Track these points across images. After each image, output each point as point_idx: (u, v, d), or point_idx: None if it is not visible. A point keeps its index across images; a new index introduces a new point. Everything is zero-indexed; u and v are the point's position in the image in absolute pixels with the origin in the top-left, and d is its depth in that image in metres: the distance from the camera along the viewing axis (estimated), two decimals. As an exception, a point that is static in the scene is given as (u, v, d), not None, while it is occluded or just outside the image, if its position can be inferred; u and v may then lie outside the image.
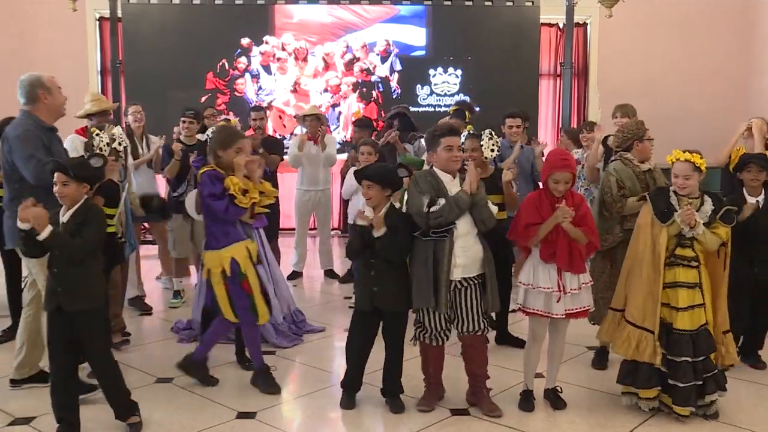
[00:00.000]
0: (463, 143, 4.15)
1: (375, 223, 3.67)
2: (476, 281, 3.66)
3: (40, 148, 3.84)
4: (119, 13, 8.80)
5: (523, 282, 3.73)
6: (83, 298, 3.32)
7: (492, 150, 4.43)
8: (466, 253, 3.62)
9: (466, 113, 6.03)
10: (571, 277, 3.64)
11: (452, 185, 3.68)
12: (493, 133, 4.49)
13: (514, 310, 4.43)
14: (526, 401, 3.80)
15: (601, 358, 4.47)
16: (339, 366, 4.42)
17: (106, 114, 5.68)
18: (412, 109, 9.15)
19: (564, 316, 3.67)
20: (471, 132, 4.66)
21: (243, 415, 3.73)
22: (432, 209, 3.58)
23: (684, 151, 3.66)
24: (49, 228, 3.21)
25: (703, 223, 3.57)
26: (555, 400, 3.83)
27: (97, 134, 4.29)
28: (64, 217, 3.35)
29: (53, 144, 3.99)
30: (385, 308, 3.74)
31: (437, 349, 3.78)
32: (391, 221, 3.68)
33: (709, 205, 3.63)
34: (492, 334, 4.69)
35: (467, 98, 8.95)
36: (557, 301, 3.63)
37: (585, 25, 10.21)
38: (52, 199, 3.38)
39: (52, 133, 4.04)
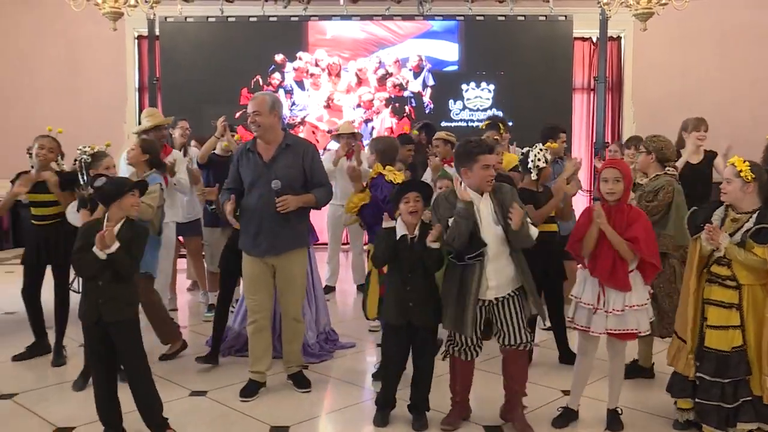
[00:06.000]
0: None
1: (435, 233, 3.57)
2: (514, 293, 3.58)
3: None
4: (157, 32, 8.99)
5: (574, 295, 3.69)
6: (125, 308, 3.43)
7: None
8: (498, 275, 3.54)
9: (500, 125, 6.01)
10: (616, 297, 3.53)
11: (482, 203, 3.57)
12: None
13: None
14: (561, 418, 3.73)
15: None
16: (371, 381, 4.42)
17: (161, 128, 5.79)
18: (444, 124, 9.19)
19: (604, 335, 3.58)
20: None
21: (276, 430, 3.74)
22: (446, 235, 3.53)
23: (744, 161, 3.46)
24: (117, 244, 3.34)
25: (739, 243, 3.39)
26: (611, 420, 3.71)
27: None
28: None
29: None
30: (419, 323, 3.70)
31: (466, 364, 3.73)
32: (423, 232, 3.67)
33: (750, 223, 3.42)
34: (555, 353, 4.72)
35: (500, 113, 8.92)
36: (594, 315, 3.55)
37: (619, 39, 10.12)
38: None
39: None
